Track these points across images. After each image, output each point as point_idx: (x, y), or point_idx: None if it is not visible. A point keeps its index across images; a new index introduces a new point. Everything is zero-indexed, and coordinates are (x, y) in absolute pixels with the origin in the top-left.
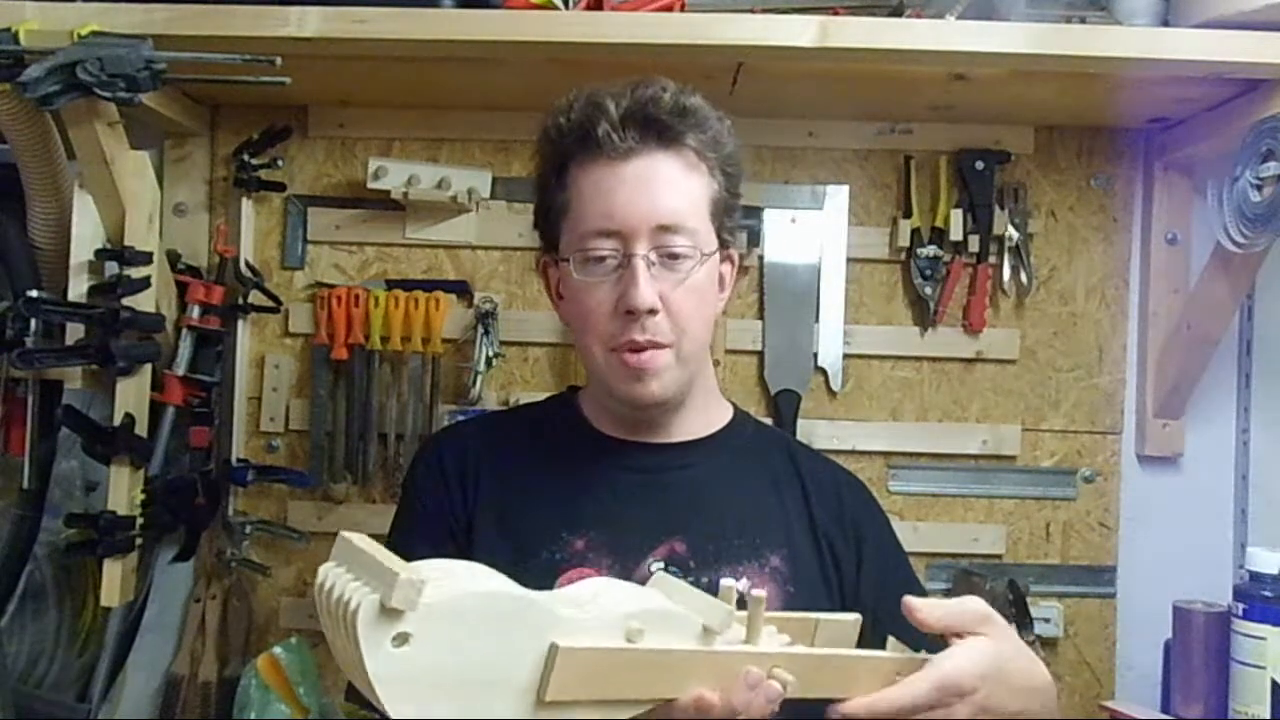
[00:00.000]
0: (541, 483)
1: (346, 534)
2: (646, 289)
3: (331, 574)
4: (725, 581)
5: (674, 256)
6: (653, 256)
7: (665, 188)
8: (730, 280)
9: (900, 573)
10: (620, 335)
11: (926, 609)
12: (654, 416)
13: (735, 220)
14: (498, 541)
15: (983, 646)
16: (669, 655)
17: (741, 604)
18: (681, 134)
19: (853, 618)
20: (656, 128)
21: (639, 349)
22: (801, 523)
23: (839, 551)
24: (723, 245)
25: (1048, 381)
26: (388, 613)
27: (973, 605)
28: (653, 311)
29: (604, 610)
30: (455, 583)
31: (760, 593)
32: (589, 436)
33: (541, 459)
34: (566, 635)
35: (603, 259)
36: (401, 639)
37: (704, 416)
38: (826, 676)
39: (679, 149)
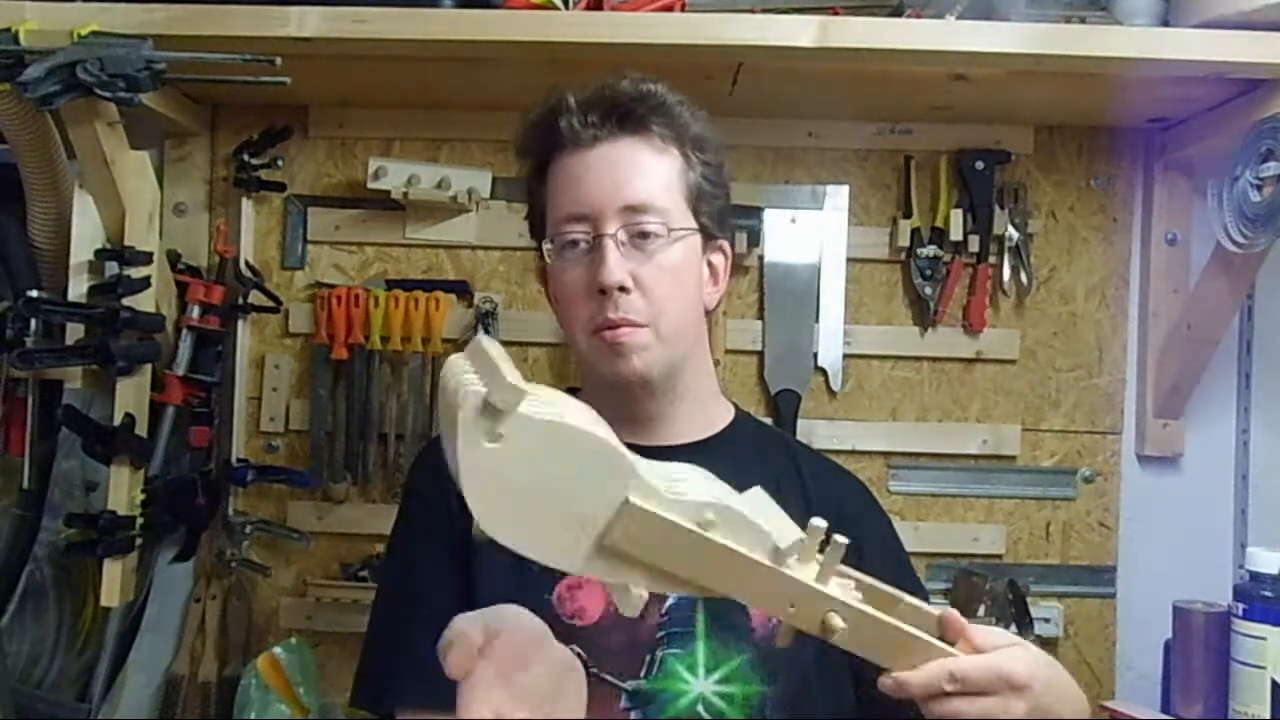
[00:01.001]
0: None
1: (483, 337)
2: (615, 267)
3: (456, 364)
4: (815, 521)
5: (644, 235)
6: (622, 236)
7: (631, 169)
8: (723, 273)
9: (902, 574)
10: (597, 316)
11: (962, 625)
12: (643, 403)
13: (717, 207)
14: (496, 547)
15: (1030, 650)
16: (729, 554)
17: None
18: (643, 117)
19: (937, 611)
20: (617, 113)
21: (614, 326)
22: (802, 524)
23: None
24: (706, 233)
25: (1048, 381)
26: (489, 409)
27: (1007, 637)
28: (624, 289)
29: (685, 492)
30: (556, 409)
31: (843, 539)
32: None
33: None
34: (643, 497)
35: (575, 243)
36: (495, 437)
37: (705, 417)
38: (878, 641)
39: (644, 133)
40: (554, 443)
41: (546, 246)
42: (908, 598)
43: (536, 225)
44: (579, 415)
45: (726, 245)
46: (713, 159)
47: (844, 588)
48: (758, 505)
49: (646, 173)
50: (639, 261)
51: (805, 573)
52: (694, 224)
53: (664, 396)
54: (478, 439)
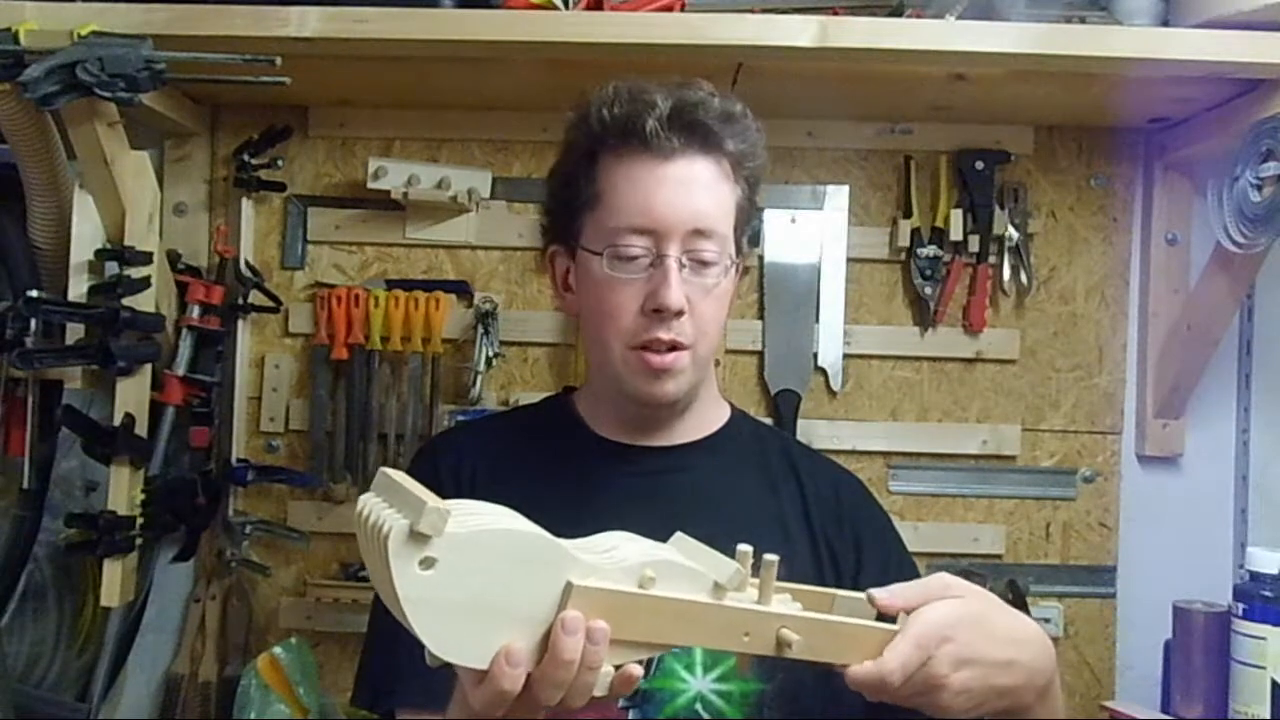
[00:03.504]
0: (537, 486)
1: (387, 469)
2: (679, 290)
3: (370, 502)
4: (742, 547)
5: (704, 263)
6: (684, 259)
7: (702, 192)
8: (735, 293)
9: (903, 571)
10: (644, 333)
11: (889, 597)
12: (660, 418)
13: (749, 231)
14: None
15: (952, 603)
16: (678, 604)
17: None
18: (722, 141)
19: (862, 595)
20: (702, 131)
21: (661, 350)
22: (798, 523)
23: (837, 552)
24: (738, 253)
25: (1048, 381)
26: (415, 537)
27: (936, 580)
28: (680, 313)
29: (621, 558)
30: (481, 519)
31: (773, 557)
32: (586, 439)
33: (537, 462)
34: (582, 576)
35: (635, 257)
36: (428, 563)
37: (702, 418)
38: (830, 642)
39: (717, 156)
40: (486, 551)
41: (593, 251)
42: (840, 591)
43: (568, 215)
44: (502, 518)
45: (743, 263)
46: (756, 181)
47: (784, 602)
48: (686, 549)
49: (715, 198)
50: (694, 287)
51: (747, 599)
52: (736, 251)
53: (677, 411)
54: (410, 569)
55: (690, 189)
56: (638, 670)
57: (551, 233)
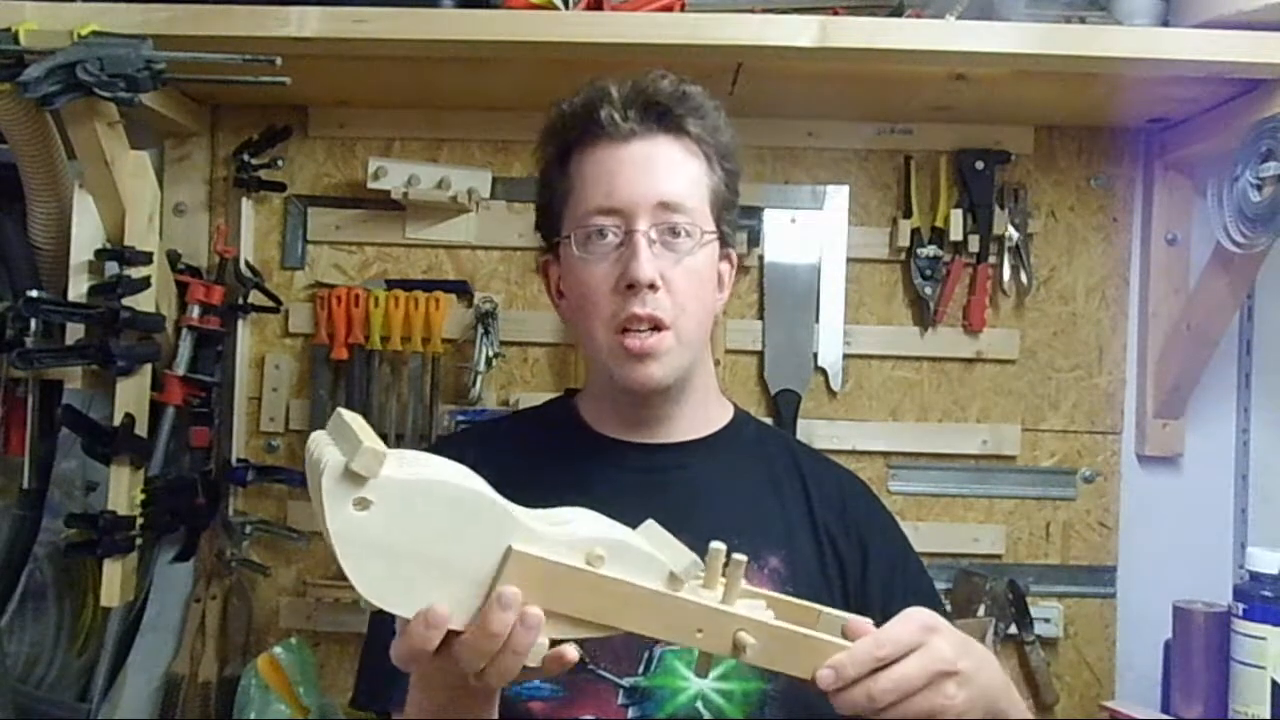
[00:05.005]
0: (540, 486)
1: (342, 409)
2: (648, 263)
3: (318, 438)
4: (715, 544)
5: (675, 234)
6: (653, 234)
7: (666, 168)
8: (729, 281)
9: (909, 570)
10: (621, 312)
11: (864, 626)
12: (654, 407)
13: (734, 219)
14: None
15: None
16: (622, 586)
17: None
18: (681, 118)
19: (861, 619)
20: (657, 111)
21: (641, 329)
22: (803, 524)
23: (842, 552)
24: (722, 241)
25: (1048, 381)
26: (351, 476)
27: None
28: (653, 287)
29: (573, 532)
30: (425, 469)
31: (741, 557)
32: (588, 438)
33: (540, 463)
34: (526, 543)
35: (604, 235)
36: (362, 504)
37: (704, 416)
38: (789, 651)
39: (678, 134)
40: (423, 502)
41: (567, 238)
42: (828, 609)
43: (551, 217)
44: (447, 471)
45: (734, 254)
46: (734, 167)
47: (754, 607)
48: (652, 536)
49: (680, 173)
50: (667, 261)
51: (710, 597)
52: (715, 230)
53: (671, 399)
54: (344, 507)
55: (652, 166)
56: (572, 653)
57: (543, 242)
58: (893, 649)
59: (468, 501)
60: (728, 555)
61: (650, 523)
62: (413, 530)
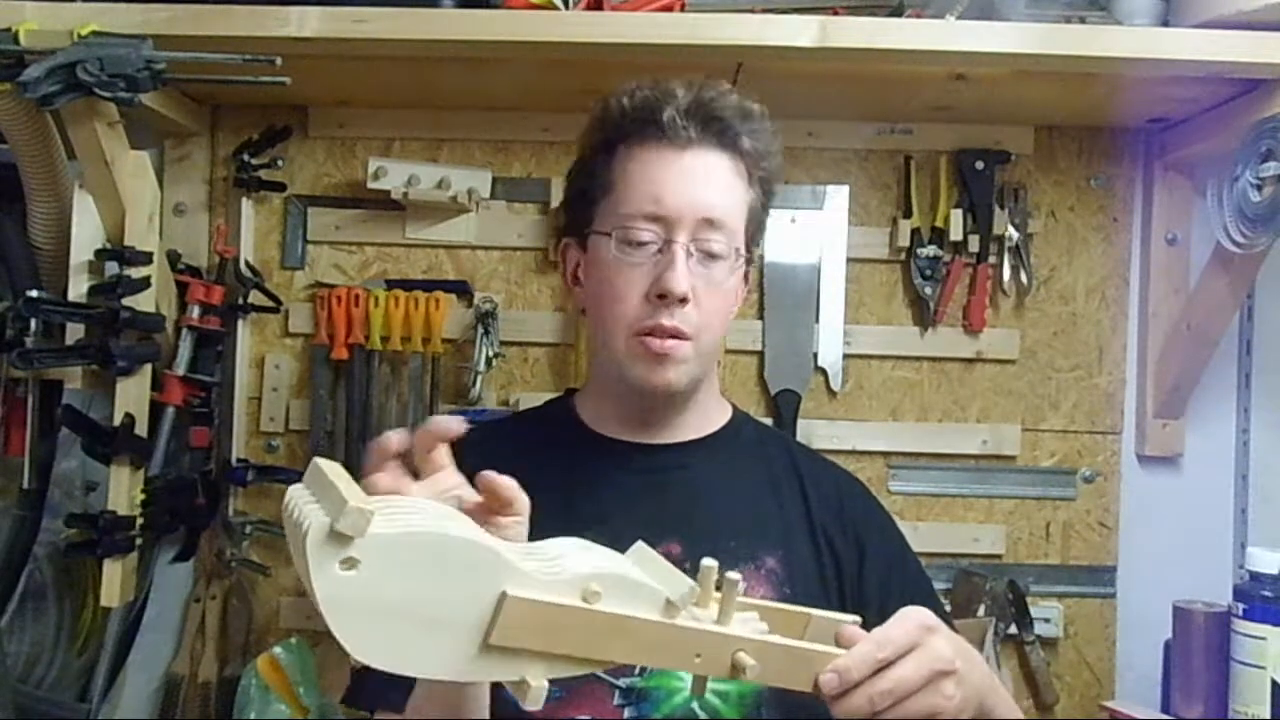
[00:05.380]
0: (539, 486)
1: (319, 460)
2: (684, 277)
3: (296, 495)
4: (706, 561)
5: (711, 254)
6: (692, 249)
7: (715, 184)
8: (742, 294)
9: (907, 570)
10: (647, 319)
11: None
12: (660, 410)
13: (762, 237)
14: None
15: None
16: (621, 620)
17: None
18: (738, 136)
19: (849, 619)
20: (718, 126)
21: (663, 335)
22: (800, 524)
23: (840, 552)
24: (748, 256)
25: (1048, 381)
26: (336, 536)
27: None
28: (684, 300)
29: (565, 569)
30: (412, 519)
31: (735, 575)
32: (587, 438)
33: (539, 463)
34: (520, 586)
35: (643, 242)
36: (349, 564)
37: (704, 416)
38: (789, 666)
39: (732, 151)
40: (412, 555)
41: (606, 235)
42: (816, 612)
43: (584, 204)
44: (433, 517)
45: (751, 270)
46: (772, 189)
47: (746, 621)
48: (643, 559)
49: (728, 192)
50: (700, 277)
51: (705, 616)
52: (746, 250)
53: (677, 404)
54: (331, 569)
55: (703, 180)
56: None
57: (565, 225)
58: (893, 649)
59: (458, 550)
60: (720, 572)
61: (640, 544)
62: (402, 585)
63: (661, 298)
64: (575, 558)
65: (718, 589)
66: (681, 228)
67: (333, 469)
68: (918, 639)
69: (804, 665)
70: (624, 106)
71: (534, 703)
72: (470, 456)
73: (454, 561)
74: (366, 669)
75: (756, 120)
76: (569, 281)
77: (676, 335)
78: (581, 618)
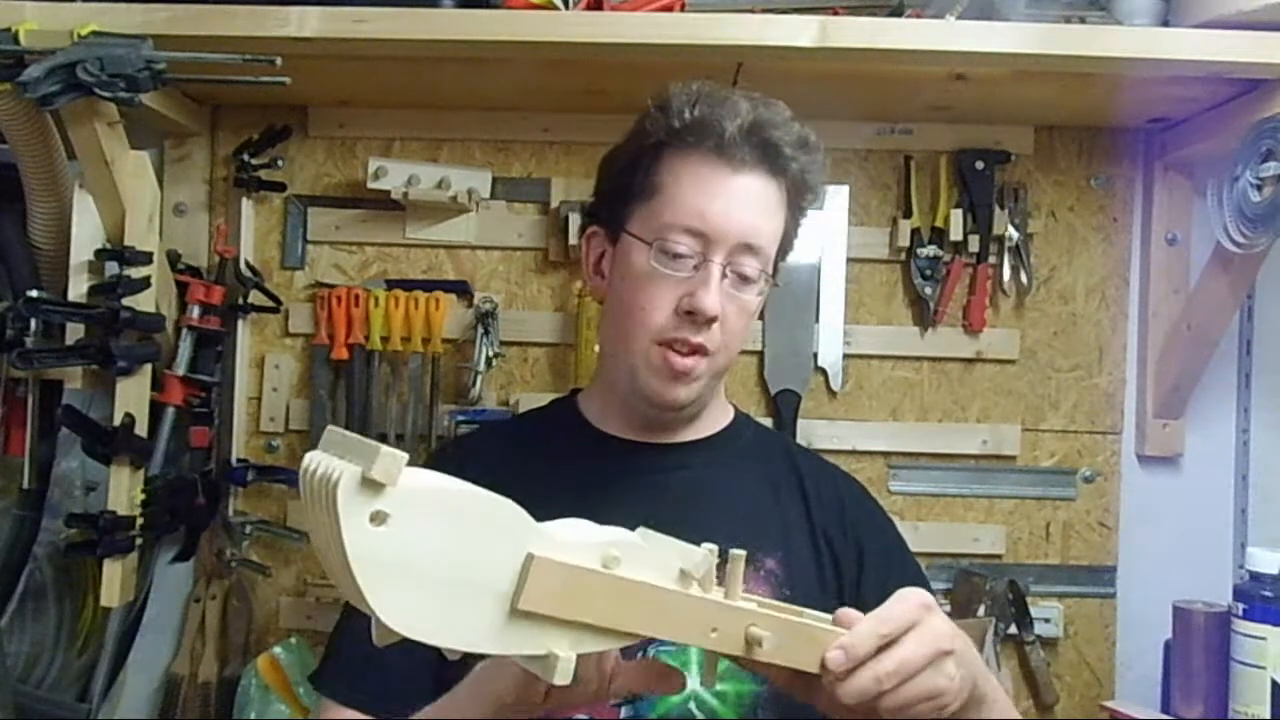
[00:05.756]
0: (542, 485)
1: (334, 427)
2: (717, 296)
3: (317, 457)
4: (707, 546)
5: (744, 278)
6: (727, 270)
7: (759, 209)
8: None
9: (906, 572)
10: (672, 331)
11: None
12: (666, 420)
13: (785, 257)
14: None
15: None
16: (643, 589)
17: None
18: (787, 165)
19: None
20: (774, 153)
21: (684, 351)
22: (800, 526)
23: (839, 554)
24: (773, 281)
25: (1048, 381)
26: (368, 485)
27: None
28: (713, 320)
29: (584, 537)
30: (441, 479)
31: (739, 552)
32: (590, 437)
33: (541, 463)
34: (544, 550)
35: (680, 255)
36: (379, 518)
37: (707, 418)
38: (802, 644)
39: (781, 179)
40: (444, 511)
41: (643, 243)
42: (809, 612)
43: (622, 199)
44: (455, 480)
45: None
46: (802, 215)
47: (749, 599)
48: (650, 539)
49: (770, 218)
50: (730, 298)
51: (716, 595)
52: (774, 273)
53: (682, 414)
54: (361, 523)
55: (749, 204)
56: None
57: (595, 214)
58: (894, 626)
59: (487, 507)
60: (723, 554)
61: (643, 529)
62: (433, 544)
63: (690, 314)
64: (590, 529)
65: (719, 583)
66: (721, 248)
67: (351, 434)
68: (917, 617)
69: (812, 643)
70: (684, 113)
71: (563, 677)
72: (473, 457)
73: (483, 520)
74: (339, 651)
75: (812, 153)
76: (590, 270)
77: (698, 351)
78: (603, 583)
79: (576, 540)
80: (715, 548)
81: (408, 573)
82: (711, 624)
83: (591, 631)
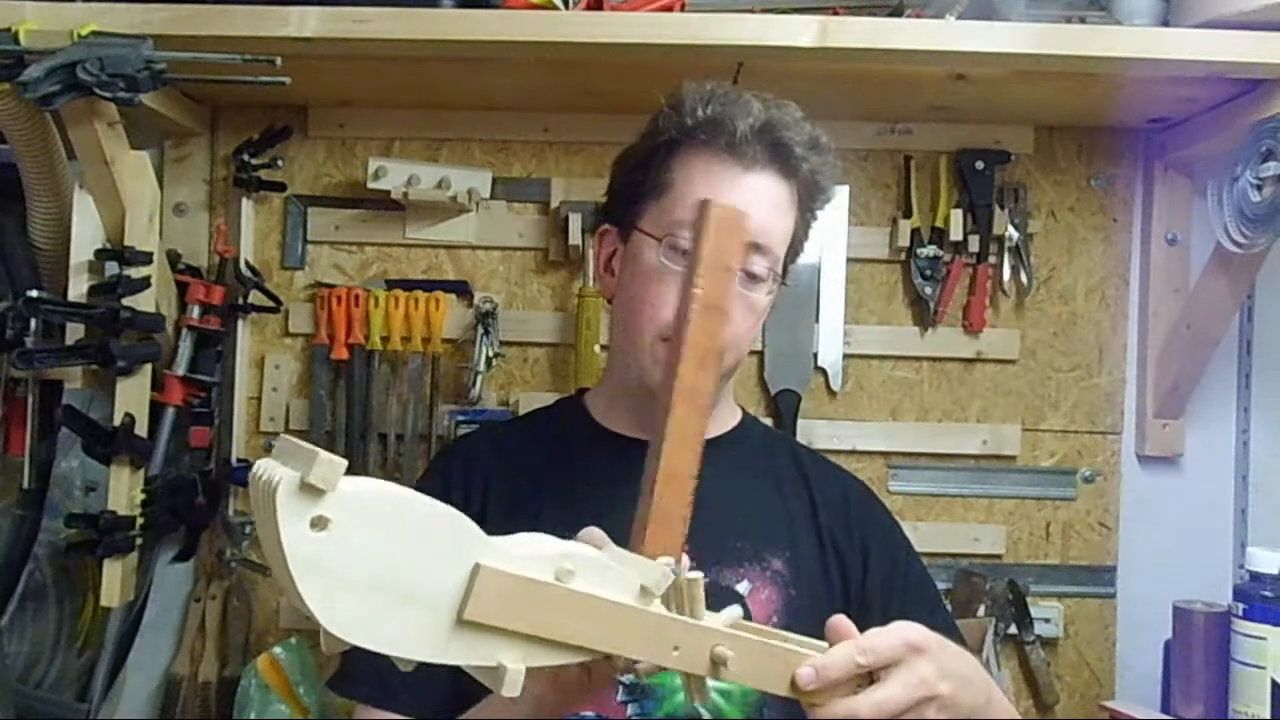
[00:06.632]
0: (548, 484)
1: (287, 435)
2: None
3: (264, 464)
4: (663, 560)
5: (753, 276)
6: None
7: (771, 209)
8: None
9: (911, 574)
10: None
11: (847, 628)
12: None
13: (796, 258)
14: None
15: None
16: (596, 603)
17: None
18: (798, 165)
19: (820, 645)
20: (785, 153)
21: None
22: (806, 527)
23: (844, 555)
24: (783, 280)
25: (1048, 381)
26: (307, 490)
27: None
28: None
29: (539, 550)
30: (383, 485)
31: (697, 574)
32: (598, 435)
33: (549, 461)
34: (494, 559)
35: (690, 252)
36: (320, 523)
37: (715, 419)
38: (768, 665)
39: (792, 179)
40: (387, 518)
41: (652, 239)
42: (788, 635)
43: (633, 198)
44: (403, 489)
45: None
46: (813, 218)
47: (713, 619)
48: (615, 555)
49: (781, 217)
50: (739, 296)
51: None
52: (784, 274)
53: None
54: (300, 527)
55: (760, 203)
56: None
57: (607, 212)
58: (874, 658)
59: (430, 515)
60: (681, 572)
61: (610, 545)
62: (375, 550)
63: None
64: (546, 541)
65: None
66: None
67: (302, 442)
68: (902, 656)
69: (781, 665)
70: (697, 111)
71: (511, 689)
72: (480, 456)
73: (427, 528)
74: (356, 654)
75: (823, 152)
76: (600, 267)
77: None
78: (555, 596)
79: (530, 554)
80: (671, 561)
81: (350, 579)
82: (673, 642)
83: (542, 644)
